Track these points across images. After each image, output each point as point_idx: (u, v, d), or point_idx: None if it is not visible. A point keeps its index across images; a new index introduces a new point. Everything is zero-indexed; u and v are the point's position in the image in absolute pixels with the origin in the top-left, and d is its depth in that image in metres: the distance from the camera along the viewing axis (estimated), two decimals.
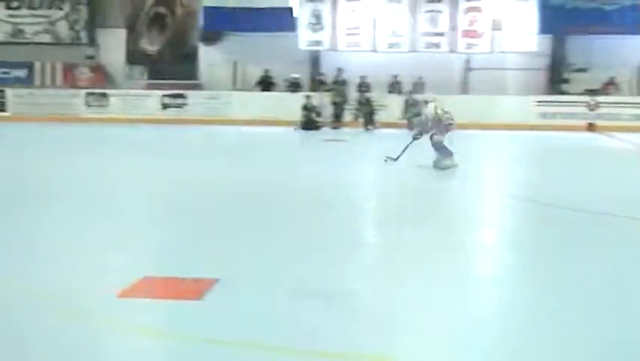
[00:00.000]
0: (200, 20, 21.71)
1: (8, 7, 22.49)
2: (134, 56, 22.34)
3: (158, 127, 19.30)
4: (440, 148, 11.06)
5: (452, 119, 11.20)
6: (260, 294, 4.80)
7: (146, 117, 20.39)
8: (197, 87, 21.64)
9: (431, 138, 11.18)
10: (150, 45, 22.14)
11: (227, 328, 4.17)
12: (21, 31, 22.54)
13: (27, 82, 22.08)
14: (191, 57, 22.03)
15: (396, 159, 11.33)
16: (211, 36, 22.01)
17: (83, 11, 22.35)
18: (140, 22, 22.21)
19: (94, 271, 5.42)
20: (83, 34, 22.47)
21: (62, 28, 22.48)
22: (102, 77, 22.28)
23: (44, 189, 9.43)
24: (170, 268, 5.44)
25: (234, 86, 21.74)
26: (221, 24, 21.43)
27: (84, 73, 22.11)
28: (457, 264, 5.79)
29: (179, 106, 21.05)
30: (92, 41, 22.52)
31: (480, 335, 4.16)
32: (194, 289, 4.85)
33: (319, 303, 4.62)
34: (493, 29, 20.94)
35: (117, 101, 21.32)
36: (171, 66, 21.89)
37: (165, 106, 21.09)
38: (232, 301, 4.63)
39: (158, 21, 22.04)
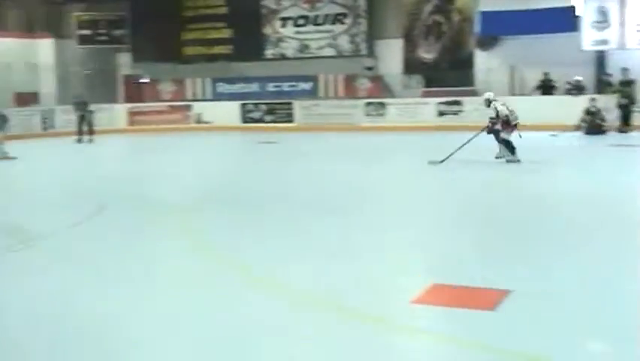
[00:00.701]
0: (476, 26, 21.46)
1: (296, 25, 24.16)
2: (410, 65, 22.71)
3: (433, 134, 19.42)
4: (507, 144, 12.08)
5: (517, 118, 12.16)
6: (553, 307, 4.54)
7: (422, 125, 20.64)
8: (473, 93, 21.41)
9: (497, 136, 12.17)
10: (426, 53, 22.38)
11: (523, 340, 4.00)
12: (307, 47, 24.08)
13: (312, 94, 23.50)
14: (466, 63, 21.85)
15: (442, 161, 11.91)
16: (487, 41, 21.65)
17: (363, 24, 23.27)
18: (417, 31, 22.54)
19: (386, 274, 5.55)
20: (363, 47, 23.37)
21: (343, 41, 23.59)
22: (380, 87, 22.98)
23: (340, 194, 9.92)
24: (457, 276, 5.37)
25: (512, 91, 21.16)
26: (497, 28, 20.96)
27: (363, 84, 23.00)
28: None
29: (454, 113, 21.00)
30: (371, 53, 23.34)
31: None
32: (486, 299, 4.74)
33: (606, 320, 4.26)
34: None
35: (394, 109, 21.85)
36: (447, 73, 21.93)
37: (441, 113, 21.17)
38: (527, 314, 4.43)
39: (434, 29, 22.20)
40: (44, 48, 24.77)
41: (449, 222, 7.88)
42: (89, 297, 5.17)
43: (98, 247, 6.94)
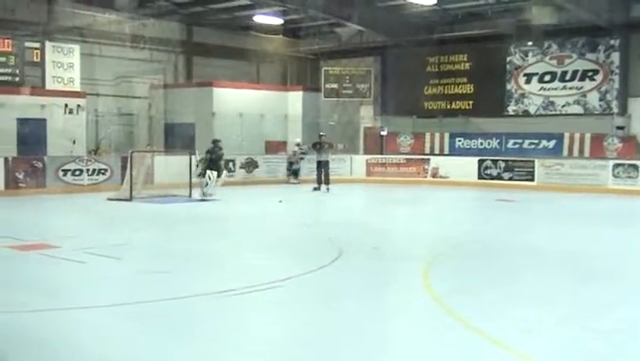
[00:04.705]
0: None
1: (541, 81, 23.35)
2: None
3: None
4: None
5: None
6: None
7: None
8: None
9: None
10: None
11: None
12: (552, 104, 23.15)
13: (555, 153, 22.43)
14: None
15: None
16: None
17: (616, 81, 21.90)
18: None
19: None
20: (614, 104, 21.97)
21: (593, 98, 22.36)
22: (632, 147, 21.35)
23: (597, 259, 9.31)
24: None
25: None
26: None
27: (613, 144, 21.51)
28: None
29: None
30: (623, 111, 21.85)
31: None
32: None
33: None
34: None
35: None
36: None
37: None
38: None
39: None
40: (294, 100, 26.36)
41: None
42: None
43: (336, 293, 7.04)
